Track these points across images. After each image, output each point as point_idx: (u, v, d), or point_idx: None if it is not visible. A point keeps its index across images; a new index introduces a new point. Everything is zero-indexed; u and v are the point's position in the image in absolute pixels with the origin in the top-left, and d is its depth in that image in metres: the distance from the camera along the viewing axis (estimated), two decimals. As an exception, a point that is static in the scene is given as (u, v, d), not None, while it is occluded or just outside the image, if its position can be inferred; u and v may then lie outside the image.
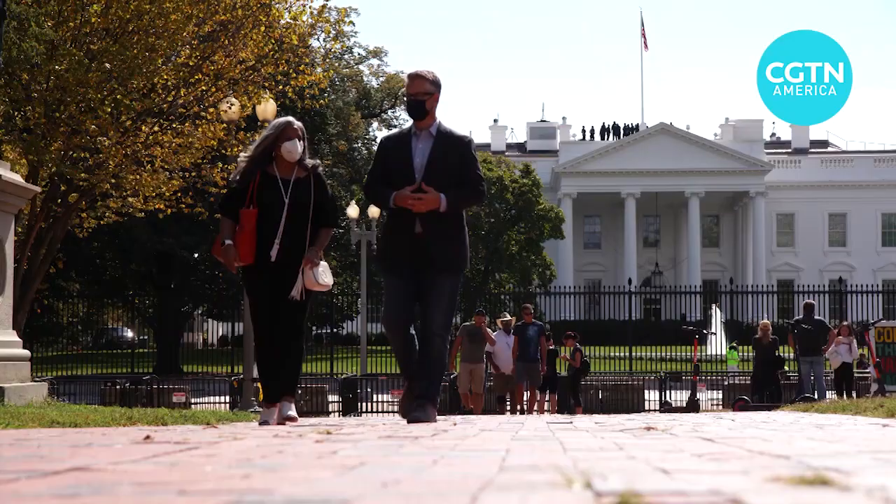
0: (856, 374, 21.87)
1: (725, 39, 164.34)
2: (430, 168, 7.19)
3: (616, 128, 72.34)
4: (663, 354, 39.19)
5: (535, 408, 19.78)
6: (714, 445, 3.64)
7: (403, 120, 61.72)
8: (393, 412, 21.41)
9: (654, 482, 2.31)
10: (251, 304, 7.50)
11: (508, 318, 20.63)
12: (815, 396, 18.14)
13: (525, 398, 19.83)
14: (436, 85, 7.34)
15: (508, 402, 19.77)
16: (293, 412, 7.17)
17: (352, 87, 53.42)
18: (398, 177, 7.20)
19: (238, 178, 7.40)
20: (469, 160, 7.30)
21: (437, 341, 7.19)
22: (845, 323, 23.11)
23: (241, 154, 7.62)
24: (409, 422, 6.83)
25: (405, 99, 7.27)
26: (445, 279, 7.20)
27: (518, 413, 18.76)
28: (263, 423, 7.04)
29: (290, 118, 7.51)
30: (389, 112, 58.48)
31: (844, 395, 19.33)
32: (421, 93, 7.28)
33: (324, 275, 7.21)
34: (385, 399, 25.04)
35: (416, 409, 7.04)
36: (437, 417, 7.33)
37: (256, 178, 7.29)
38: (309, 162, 7.42)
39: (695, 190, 67.31)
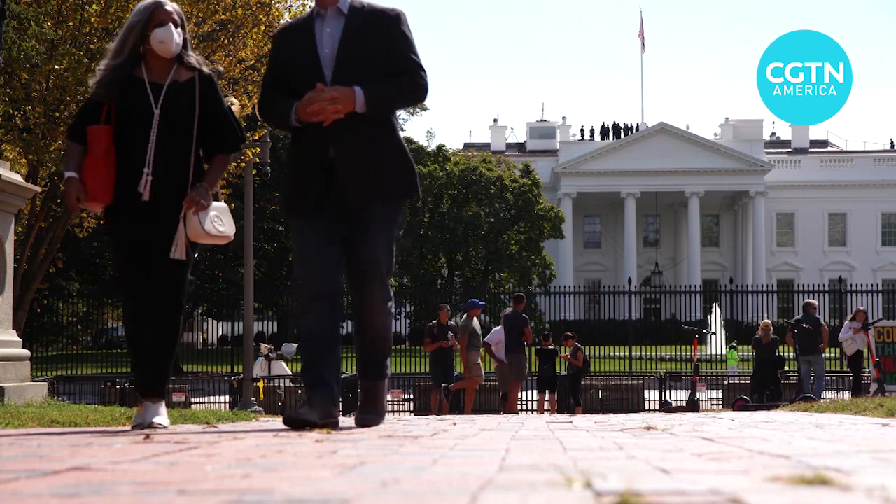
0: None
1: (725, 39, 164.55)
2: (343, 57, 5.03)
3: (616, 127, 72.35)
4: (663, 354, 39.17)
5: (528, 407, 19.61)
6: (714, 445, 3.64)
7: (402, 119, 61.65)
8: (393, 412, 21.39)
9: (653, 482, 2.31)
10: (117, 262, 5.39)
11: None
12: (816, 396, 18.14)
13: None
14: None
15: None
16: (161, 418, 5.19)
17: (351, 87, 53.42)
18: (301, 77, 5.01)
19: (96, 88, 5.26)
20: (401, 40, 5.11)
21: (378, 289, 5.16)
22: (861, 308, 22.54)
23: (102, 61, 5.38)
24: (357, 424, 5.34)
25: None
26: (379, 211, 5.08)
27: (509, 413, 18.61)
28: (137, 425, 5.24)
29: None
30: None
31: (852, 388, 19.23)
32: None
33: (217, 221, 5.23)
34: (385, 398, 24.95)
35: (364, 408, 5.49)
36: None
37: (117, 86, 5.20)
38: (193, 58, 5.32)
39: (695, 190, 67.31)
